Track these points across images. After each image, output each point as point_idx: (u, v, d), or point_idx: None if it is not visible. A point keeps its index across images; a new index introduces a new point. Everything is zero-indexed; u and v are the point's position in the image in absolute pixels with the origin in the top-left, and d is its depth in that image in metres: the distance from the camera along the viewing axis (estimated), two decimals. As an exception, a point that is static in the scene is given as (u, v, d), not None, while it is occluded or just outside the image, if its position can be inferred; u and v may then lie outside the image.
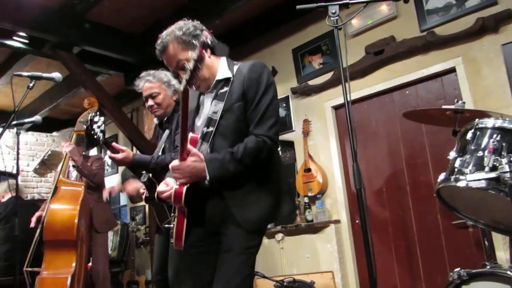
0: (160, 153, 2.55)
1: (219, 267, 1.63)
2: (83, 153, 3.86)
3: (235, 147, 1.61)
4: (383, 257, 3.60)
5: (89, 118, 2.20)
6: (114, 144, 2.25)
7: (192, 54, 1.42)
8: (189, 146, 1.58)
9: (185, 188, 1.60)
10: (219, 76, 1.75)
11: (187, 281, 1.74)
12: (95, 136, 2.19)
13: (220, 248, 1.67)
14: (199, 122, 1.79)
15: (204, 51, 1.63)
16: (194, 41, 1.69)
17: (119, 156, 2.21)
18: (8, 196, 4.33)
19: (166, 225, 1.72)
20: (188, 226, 1.66)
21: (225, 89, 1.71)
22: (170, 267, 2.67)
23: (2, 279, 3.76)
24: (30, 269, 3.13)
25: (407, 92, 3.69)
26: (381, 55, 3.67)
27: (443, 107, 2.32)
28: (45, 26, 4.04)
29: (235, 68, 1.77)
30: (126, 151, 2.25)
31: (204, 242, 1.73)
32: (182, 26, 1.72)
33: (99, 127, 2.19)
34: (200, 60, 1.42)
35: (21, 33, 4.23)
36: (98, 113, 2.29)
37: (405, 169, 3.64)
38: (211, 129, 1.69)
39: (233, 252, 1.61)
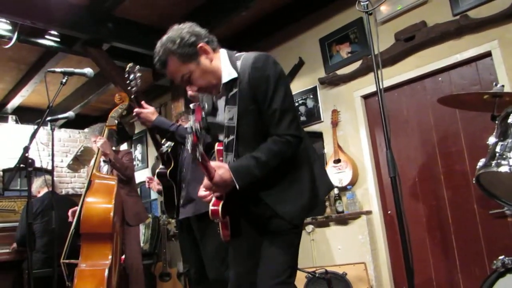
0: None
1: (263, 251, 1.68)
2: (113, 148, 3.93)
3: (259, 151, 1.58)
4: (417, 248, 3.51)
5: (128, 68, 2.19)
6: (143, 102, 2.29)
7: (188, 139, 1.34)
8: (212, 163, 1.55)
9: (220, 205, 1.60)
10: (224, 79, 1.66)
11: (235, 266, 1.78)
12: (129, 87, 2.19)
13: (262, 234, 1.71)
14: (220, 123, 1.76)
15: (205, 56, 1.64)
16: (192, 50, 1.63)
17: (144, 110, 2.26)
18: (44, 191, 4.45)
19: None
20: (232, 225, 1.72)
21: (234, 90, 1.63)
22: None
23: (41, 271, 3.89)
24: (67, 261, 3.22)
25: (440, 79, 3.58)
26: (412, 41, 3.56)
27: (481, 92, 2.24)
28: (75, 24, 4.13)
29: (239, 63, 1.66)
30: (152, 109, 2.30)
31: (247, 234, 1.77)
32: (174, 38, 1.62)
33: (135, 78, 2.20)
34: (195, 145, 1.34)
35: (53, 32, 4.34)
36: (137, 67, 2.27)
37: (439, 158, 3.54)
38: (231, 137, 1.65)
39: (275, 234, 1.66)
